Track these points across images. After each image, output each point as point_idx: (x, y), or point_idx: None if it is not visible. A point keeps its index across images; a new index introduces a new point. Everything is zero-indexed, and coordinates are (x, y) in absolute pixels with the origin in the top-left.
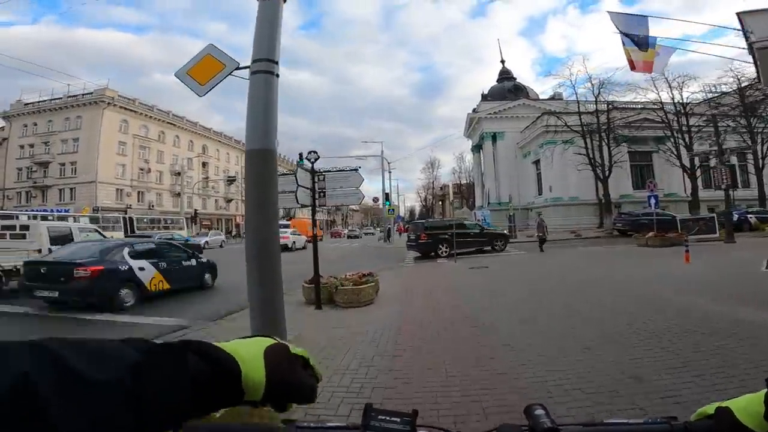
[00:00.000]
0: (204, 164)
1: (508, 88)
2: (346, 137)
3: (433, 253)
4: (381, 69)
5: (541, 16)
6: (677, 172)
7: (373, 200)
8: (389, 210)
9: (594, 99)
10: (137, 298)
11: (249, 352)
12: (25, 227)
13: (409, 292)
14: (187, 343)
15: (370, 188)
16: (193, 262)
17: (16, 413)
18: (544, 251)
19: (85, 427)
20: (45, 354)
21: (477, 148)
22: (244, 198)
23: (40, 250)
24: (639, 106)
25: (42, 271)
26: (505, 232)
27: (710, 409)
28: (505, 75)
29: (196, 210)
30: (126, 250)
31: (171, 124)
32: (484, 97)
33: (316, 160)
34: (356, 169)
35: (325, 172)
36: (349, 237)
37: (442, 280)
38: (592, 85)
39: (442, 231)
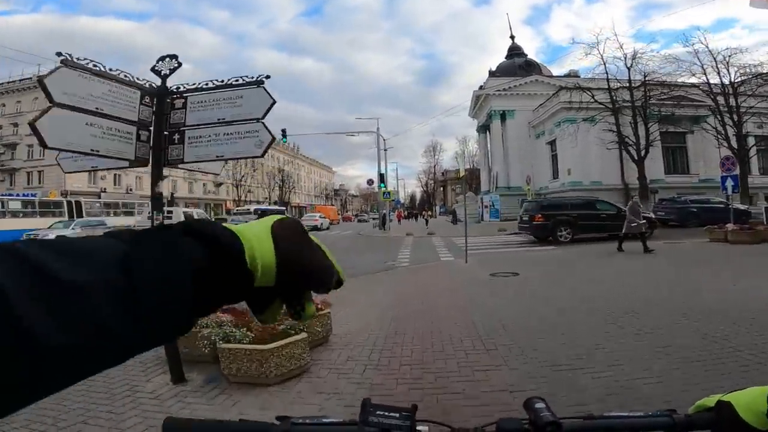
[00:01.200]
0: None
1: (519, 64)
2: (350, 123)
3: (550, 238)
4: (384, 56)
5: (546, 4)
6: (715, 156)
7: (368, 182)
8: (384, 193)
9: (627, 70)
10: None
11: (253, 230)
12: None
13: (399, 331)
14: (182, 225)
15: (371, 173)
16: None
17: None
18: (652, 250)
19: (74, 339)
20: (17, 258)
21: (483, 129)
22: (236, 182)
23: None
24: (678, 82)
25: None
26: (651, 215)
27: (711, 401)
28: (515, 51)
29: (172, 193)
30: None
31: None
32: (492, 74)
33: (174, 68)
34: (259, 83)
35: (189, 90)
36: (359, 221)
37: (459, 298)
38: (625, 55)
39: (565, 211)
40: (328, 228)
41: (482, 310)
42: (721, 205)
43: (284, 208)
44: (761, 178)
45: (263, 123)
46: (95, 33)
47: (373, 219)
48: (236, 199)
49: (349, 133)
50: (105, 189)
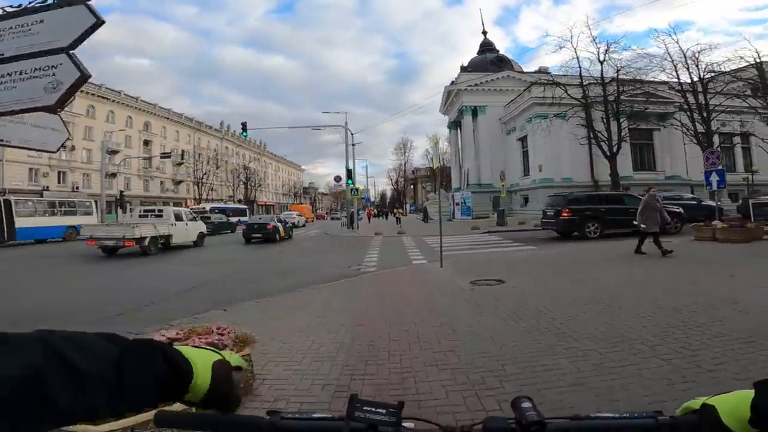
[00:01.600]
0: (147, 142)
1: (490, 60)
2: (319, 121)
3: (576, 233)
4: (355, 54)
5: (516, 5)
6: (680, 153)
7: (335, 179)
8: (352, 190)
9: (599, 64)
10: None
11: (201, 362)
12: (161, 211)
13: (355, 374)
14: (156, 344)
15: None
16: None
17: (28, 399)
18: (670, 252)
19: (78, 409)
20: (49, 348)
21: (455, 125)
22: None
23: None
24: (646, 77)
25: (255, 227)
26: (679, 210)
27: (696, 404)
28: (487, 47)
29: (121, 191)
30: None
31: (103, 98)
32: (464, 69)
33: None
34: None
35: None
36: (332, 219)
37: (437, 321)
38: (598, 49)
39: (592, 206)
40: (304, 225)
41: (470, 342)
42: (694, 202)
43: (245, 207)
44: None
45: (71, 55)
46: None
47: (344, 217)
48: (197, 197)
49: (315, 127)
50: (47, 187)
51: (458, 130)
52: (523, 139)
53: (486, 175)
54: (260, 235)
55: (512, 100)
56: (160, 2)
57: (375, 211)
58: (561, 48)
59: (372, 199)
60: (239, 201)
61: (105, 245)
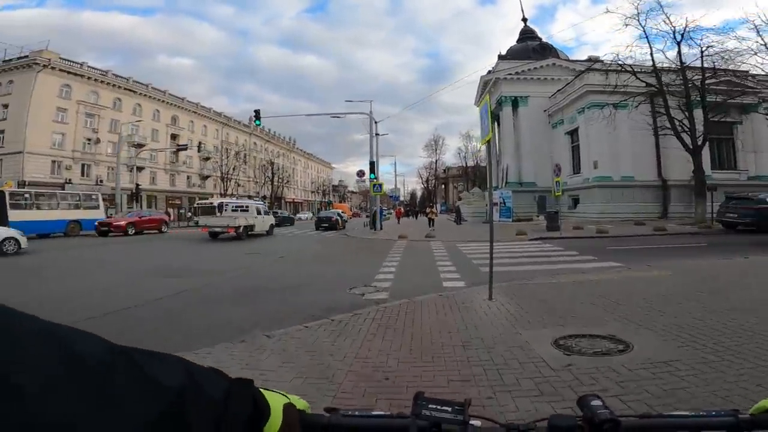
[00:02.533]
0: (174, 136)
1: (532, 48)
2: (351, 121)
3: None
4: (387, 54)
5: (551, 4)
6: (766, 150)
7: (358, 174)
8: (375, 186)
9: (676, 45)
10: None
11: (274, 402)
12: (247, 206)
13: None
14: (249, 382)
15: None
16: None
17: (176, 416)
18: None
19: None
20: (188, 370)
21: (492, 118)
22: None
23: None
24: (736, 62)
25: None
26: None
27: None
28: (527, 34)
29: (138, 185)
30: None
31: (130, 90)
32: (502, 57)
33: None
34: None
35: None
36: (367, 216)
37: None
38: (674, 28)
39: None
40: (346, 221)
41: None
42: None
43: (261, 201)
44: None
45: None
46: (101, 28)
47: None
48: (223, 192)
49: (335, 115)
50: (70, 180)
51: (495, 124)
52: (572, 133)
53: (528, 173)
54: (327, 225)
55: (559, 90)
56: (200, 2)
57: (404, 210)
58: (626, 26)
59: (401, 198)
60: (263, 198)
61: (213, 231)
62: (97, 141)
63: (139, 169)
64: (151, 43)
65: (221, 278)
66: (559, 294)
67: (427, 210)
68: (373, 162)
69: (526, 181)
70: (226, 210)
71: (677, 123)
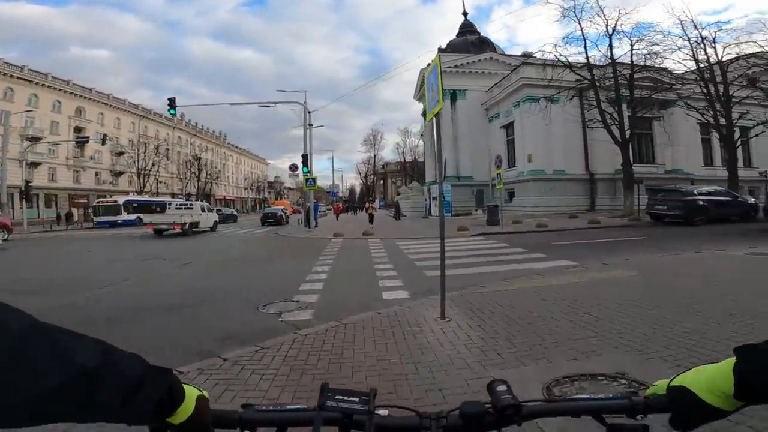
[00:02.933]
0: (78, 129)
1: (471, 41)
2: (289, 115)
3: None
4: (328, 50)
5: (488, 5)
6: (681, 145)
7: (290, 168)
8: (308, 180)
9: (607, 38)
10: None
11: (189, 393)
12: (191, 205)
13: None
14: (167, 370)
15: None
16: None
17: (81, 389)
18: None
19: (108, 407)
20: (107, 350)
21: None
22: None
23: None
24: (660, 58)
25: (269, 215)
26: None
27: (662, 385)
28: (467, 28)
29: (27, 182)
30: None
31: (24, 79)
32: (442, 51)
33: None
34: None
35: None
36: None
37: None
38: (606, 21)
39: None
40: (288, 218)
41: None
42: (730, 198)
43: (164, 200)
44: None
45: None
46: (6, 18)
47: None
48: (139, 189)
49: (263, 104)
50: None
51: (434, 118)
52: (508, 127)
53: (466, 167)
54: (272, 220)
55: (496, 84)
56: None
57: (342, 206)
58: (564, 17)
59: (339, 195)
60: (188, 195)
61: (159, 228)
62: None
63: (35, 164)
64: (64, 34)
65: (94, 294)
66: (523, 305)
67: (367, 205)
68: (306, 155)
69: (464, 175)
70: (170, 207)
71: (607, 116)
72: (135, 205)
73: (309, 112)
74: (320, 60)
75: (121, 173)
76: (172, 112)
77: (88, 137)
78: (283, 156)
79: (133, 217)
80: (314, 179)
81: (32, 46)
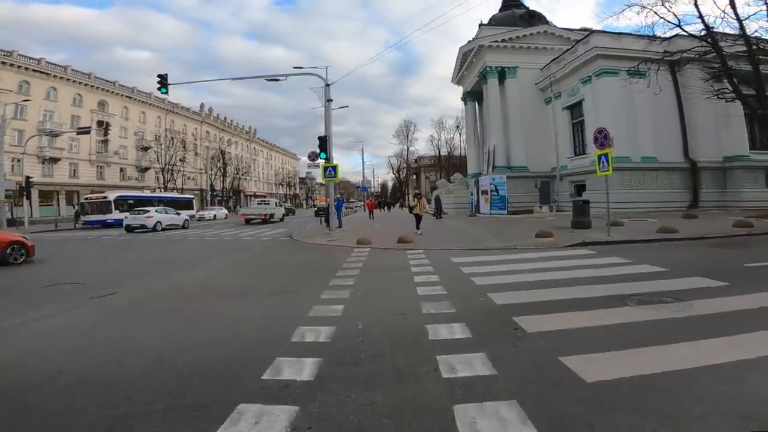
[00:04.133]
0: (101, 123)
1: (519, 15)
2: (319, 113)
3: None
4: (356, 46)
5: None
6: None
7: (309, 157)
8: (326, 169)
9: None
10: None
11: None
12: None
13: None
14: None
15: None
16: None
17: None
18: None
19: None
20: None
21: (472, 96)
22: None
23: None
24: None
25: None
26: None
27: None
28: (512, 1)
29: (28, 177)
30: None
31: (41, 72)
32: (484, 26)
33: None
34: None
35: None
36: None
37: None
38: None
39: None
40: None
41: None
42: None
43: (191, 198)
44: None
45: None
46: (52, 22)
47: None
48: (163, 185)
49: (271, 78)
50: None
51: (476, 103)
52: (573, 108)
53: (519, 155)
54: (323, 213)
55: (555, 59)
56: None
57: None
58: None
59: (367, 188)
60: (212, 190)
61: (249, 218)
62: None
63: (54, 160)
64: (107, 36)
65: None
66: None
67: (413, 200)
68: (325, 138)
69: (517, 165)
70: (158, 205)
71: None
72: (130, 201)
73: (328, 85)
74: (349, 57)
75: (146, 169)
76: (162, 90)
77: (89, 127)
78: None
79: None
80: (335, 168)
81: (77, 48)
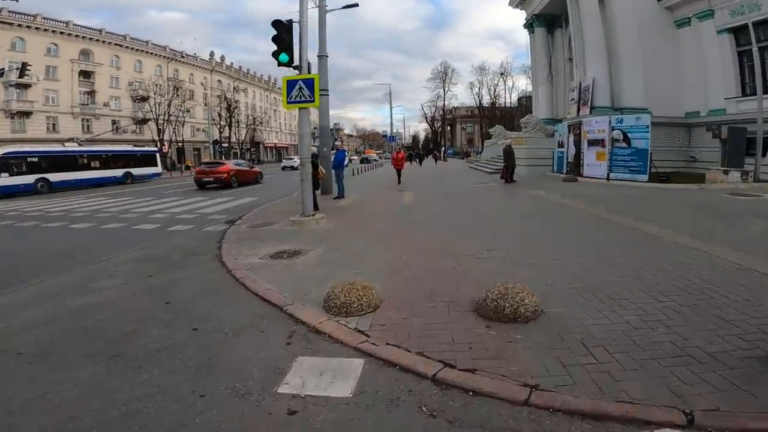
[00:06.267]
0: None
1: None
2: (351, 69)
3: None
4: (388, 1)
5: None
6: None
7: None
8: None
9: None
10: None
11: None
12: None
13: None
14: None
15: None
16: None
17: None
18: None
19: None
20: None
21: (542, 21)
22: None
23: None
24: None
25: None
26: None
27: None
28: None
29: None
30: None
31: (4, 22)
32: None
33: None
34: None
35: None
36: (361, 162)
37: None
38: None
39: None
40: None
41: None
42: None
43: (150, 150)
44: None
45: None
46: None
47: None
48: (159, 137)
49: None
50: None
51: (546, 30)
52: (737, 31)
53: (632, 93)
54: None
55: None
56: None
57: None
58: None
59: (395, 138)
60: (215, 142)
61: (288, 167)
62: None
63: (26, 114)
64: None
65: None
66: None
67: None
68: (286, 23)
69: (630, 107)
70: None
71: None
72: (34, 159)
73: None
74: (381, 12)
75: (145, 120)
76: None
77: (2, 69)
78: (347, 106)
79: (29, 179)
80: (310, 83)
81: (110, 12)
